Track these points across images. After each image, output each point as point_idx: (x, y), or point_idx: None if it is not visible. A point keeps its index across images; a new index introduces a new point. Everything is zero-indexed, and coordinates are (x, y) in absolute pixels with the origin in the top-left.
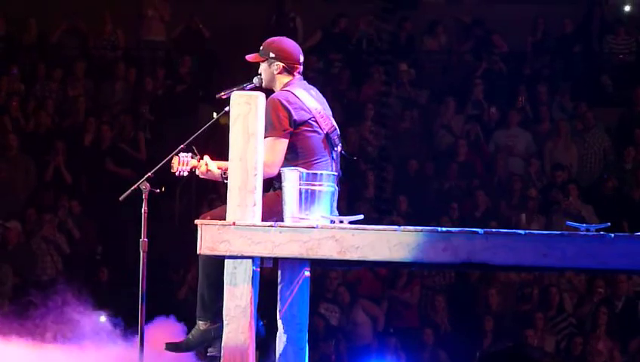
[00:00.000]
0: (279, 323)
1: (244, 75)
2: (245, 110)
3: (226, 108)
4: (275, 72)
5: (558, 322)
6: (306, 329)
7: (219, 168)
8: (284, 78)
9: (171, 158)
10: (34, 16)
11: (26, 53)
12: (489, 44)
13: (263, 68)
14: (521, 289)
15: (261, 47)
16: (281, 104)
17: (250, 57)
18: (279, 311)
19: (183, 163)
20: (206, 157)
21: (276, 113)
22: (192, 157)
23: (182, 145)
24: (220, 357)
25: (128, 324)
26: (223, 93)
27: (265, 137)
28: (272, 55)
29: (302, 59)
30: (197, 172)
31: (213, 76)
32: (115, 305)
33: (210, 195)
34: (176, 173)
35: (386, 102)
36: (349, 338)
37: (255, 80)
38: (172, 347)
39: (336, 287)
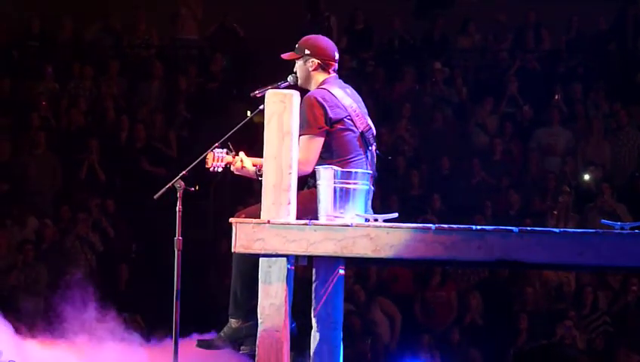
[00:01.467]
0: (313, 321)
1: (278, 74)
2: (280, 108)
3: (261, 107)
4: (311, 69)
5: (592, 320)
6: (340, 328)
7: (254, 165)
8: (320, 76)
9: (206, 155)
10: (69, 15)
11: (60, 51)
12: (523, 42)
13: (298, 65)
14: (556, 288)
15: (297, 45)
16: (317, 102)
17: (286, 55)
18: (314, 309)
19: (217, 159)
20: (241, 154)
21: (312, 111)
22: (227, 154)
23: (216, 143)
24: (253, 354)
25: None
26: (257, 92)
27: (300, 135)
28: (307, 52)
29: (337, 56)
30: (232, 168)
31: (247, 75)
32: (147, 304)
33: (244, 194)
34: (211, 169)
35: (420, 100)
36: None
37: (290, 78)
38: (204, 344)
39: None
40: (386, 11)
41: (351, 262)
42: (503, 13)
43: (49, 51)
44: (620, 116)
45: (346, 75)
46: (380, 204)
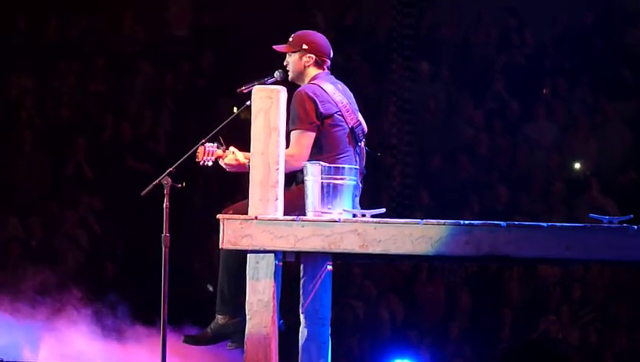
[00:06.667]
0: (301, 317)
1: (263, 70)
2: (267, 104)
3: (247, 103)
4: (307, 65)
5: (581, 315)
6: (328, 324)
7: (246, 158)
8: (313, 71)
9: (196, 149)
10: (54, 12)
11: (45, 48)
12: (509, 37)
13: (292, 59)
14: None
15: (291, 39)
16: (309, 97)
17: (279, 47)
18: (301, 305)
19: (208, 153)
20: (232, 148)
21: (303, 106)
22: (218, 148)
23: (204, 140)
24: (241, 350)
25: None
26: (243, 88)
27: (291, 130)
28: (304, 47)
29: (332, 54)
30: (221, 162)
31: (233, 71)
32: (135, 300)
33: (232, 190)
34: (201, 163)
35: (406, 96)
36: (370, 332)
37: (276, 74)
38: (191, 340)
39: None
40: (372, 6)
41: (338, 258)
42: (490, 8)
43: (34, 48)
44: (606, 111)
45: (333, 70)
46: (367, 200)
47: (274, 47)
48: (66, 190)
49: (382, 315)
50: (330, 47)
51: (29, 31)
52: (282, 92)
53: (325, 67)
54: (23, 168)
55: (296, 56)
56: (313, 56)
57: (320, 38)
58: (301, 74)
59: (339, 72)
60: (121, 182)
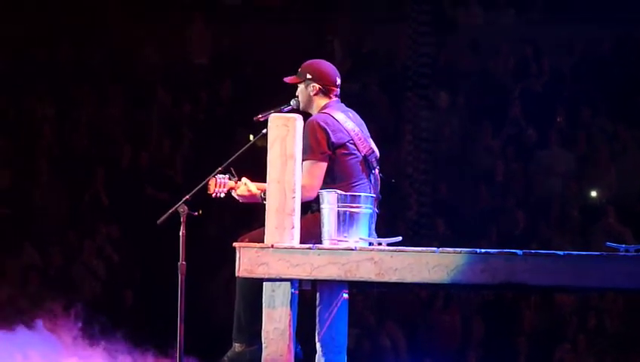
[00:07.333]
0: (318, 345)
1: (281, 98)
2: (283, 132)
3: (264, 131)
4: (312, 94)
5: (597, 343)
6: (344, 351)
7: (258, 189)
8: (321, 100)
9: (208, 180)
10: (72, 40)
11: (63, 76)
12: (527, 65)
13: (300, 90)
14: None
15: (299, 69)
16: (320, 126)
17: (288, 79)
18: (318, 333)
19: (220, 185)
20: (244, 179)
21: (315, 136)
22: (230, 179)
23: (219, 168)
24: None
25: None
26: (260, 116)
27: (303, 160)
28: (308, 76)
29: (339, 81)
30: (234, 194)
31: (251, 99)
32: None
33: (248, 218)
34: (213, 195)
35: (423, 125)
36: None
37: (292, 102)
38: None
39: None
40: (391, 36)
41: (354, 286)
42: (507, 37)
43: (53, 76)
44: (624, 139)
45: (349, 99)
46: (383, 228)
47: (284, 78)
48: (84, 218)
49: (397, 343)
50: (336, 74)
51: (48, 59)
52: (298, 120)
53: (333, 95)
54: (41, 197)
55: (302, 86)
56: (318, 86)
57: (325, 66)
58: (309, 103)
59: (355, 100)
60: (139, 211)
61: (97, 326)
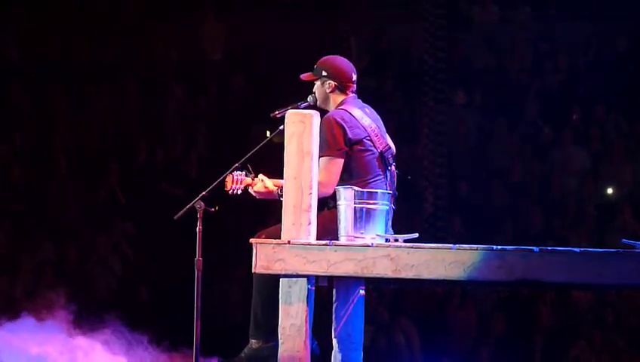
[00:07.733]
0: (334, 342)
1: (297, 95)
2: (300, 128)
3: (281, 127)
4: (328, 91)
5: (614, 340)
6: (361, 348)
7: (275, 186)
8: (337, 97)
9: (225, 177)
10: (88, 37)
11: (78, 73)
12: (542, 62)
13: (316, 86)
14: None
15: (315, 66)
16: (337, 122)
17: (304, 76)
18: (334, 329)
19: (236, 181)
20: (261, 175)
21: (331, 132)
22: (247, 176)
23: (236, 164)
24: None
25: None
26: (277, 112)
27: (320, 156)
28: (324, 73)
29: (355, 77)
30: (250, 190)
31: (267, 96)
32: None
33: (265, 214)
34: (230, 192)
35: (439, 121)
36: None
37: (309, 98)
38: None
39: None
40: (407, 33)
41: (371, 283)
42: (523, 34)
43: (68, 73)
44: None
45: (366, 95)
46: (400, 225)
47: (300, 75)
48: (100, 214)
49: (412, 340)
50: (352, 71)
51: (63, 55)
52: (315, 116)
53: (349, 91)
54: (56, 192)
55: (318, 83)
56: (334, 83)
57: (340, 63)
58: (326, 100)
59: (372, 96)
60: (155, 207)
61: (112, 322)
